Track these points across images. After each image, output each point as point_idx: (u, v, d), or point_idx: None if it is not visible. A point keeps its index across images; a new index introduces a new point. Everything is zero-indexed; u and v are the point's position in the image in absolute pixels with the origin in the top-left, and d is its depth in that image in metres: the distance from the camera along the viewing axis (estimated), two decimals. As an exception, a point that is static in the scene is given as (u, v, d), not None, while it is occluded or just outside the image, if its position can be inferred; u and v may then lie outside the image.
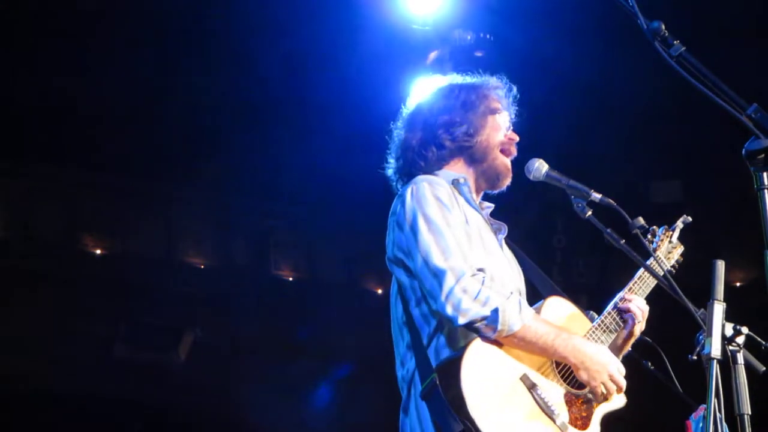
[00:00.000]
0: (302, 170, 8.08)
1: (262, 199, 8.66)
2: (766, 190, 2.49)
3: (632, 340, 3.46)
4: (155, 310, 8.40)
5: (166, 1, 6.76)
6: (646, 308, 3.44)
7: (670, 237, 3.68)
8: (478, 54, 6.76)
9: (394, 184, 3.58)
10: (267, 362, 8.68)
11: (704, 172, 7.94)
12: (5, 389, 8.14)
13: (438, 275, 3.05)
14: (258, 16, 6.85)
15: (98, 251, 8.35)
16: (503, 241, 3.49)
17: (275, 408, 8.77)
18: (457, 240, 3.12)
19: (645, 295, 3.48)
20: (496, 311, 2.98)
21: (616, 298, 3.42)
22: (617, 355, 3.39)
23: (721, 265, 2.59)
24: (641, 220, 3.24)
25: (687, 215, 3.73)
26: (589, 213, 3.27)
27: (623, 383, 3.19)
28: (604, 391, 3.14)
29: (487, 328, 3.00)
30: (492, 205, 3.57)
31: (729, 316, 2.56)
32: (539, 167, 3.43)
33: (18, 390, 8.24)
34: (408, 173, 3.50)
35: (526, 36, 6.85)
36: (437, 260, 3.07)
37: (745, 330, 2.60)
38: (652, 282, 3.47)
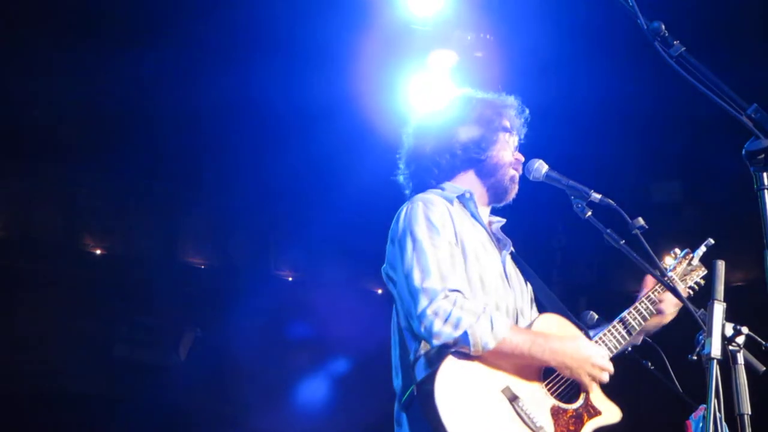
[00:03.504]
0: (302, 170, 8.08)
1: (262, 198, 8.65)
2: (766, 190, 2.49)
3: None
4: (155, 310, 8.40)
5: (166, 2, 6.76)
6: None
7: (690, 259, 3.63)
8: (478, 54, 6.75)
9: (408, 192, 3.59)
10: (267, 362, 8.67)
11: (704, 173, 7.94)
12: (5, 389, 8.13)
13: (414, 295, 3.10)
14: (257, 17, 6.85)
15: (98, 251, 8.35)
16: (507, 257, 3.48)
17: (275, 408, 8.77)
18: (438, 261, 3.14)
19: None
20: (466, 333, 3.00)
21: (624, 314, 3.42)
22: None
23: (721, 265, 2.59)
24: (641, 221, 3.24)
25: (710, 239, 3.67)
26: (589, 213, 3.28)
27: (609, 366, 3.19)
28: (595, 381, 3.16)
29: (462, 348, 3.02)
30: (503, 220, 3.57)
31: (729, 316, 2.56)
32: (539, 168, 3.44)
33: (18, 390, 8.23)
34: (420, 180, 3.52)
35: (526, 36, 6.85)
36: (415, 280, 3.11)
37: (745, 330, 2.60)
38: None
